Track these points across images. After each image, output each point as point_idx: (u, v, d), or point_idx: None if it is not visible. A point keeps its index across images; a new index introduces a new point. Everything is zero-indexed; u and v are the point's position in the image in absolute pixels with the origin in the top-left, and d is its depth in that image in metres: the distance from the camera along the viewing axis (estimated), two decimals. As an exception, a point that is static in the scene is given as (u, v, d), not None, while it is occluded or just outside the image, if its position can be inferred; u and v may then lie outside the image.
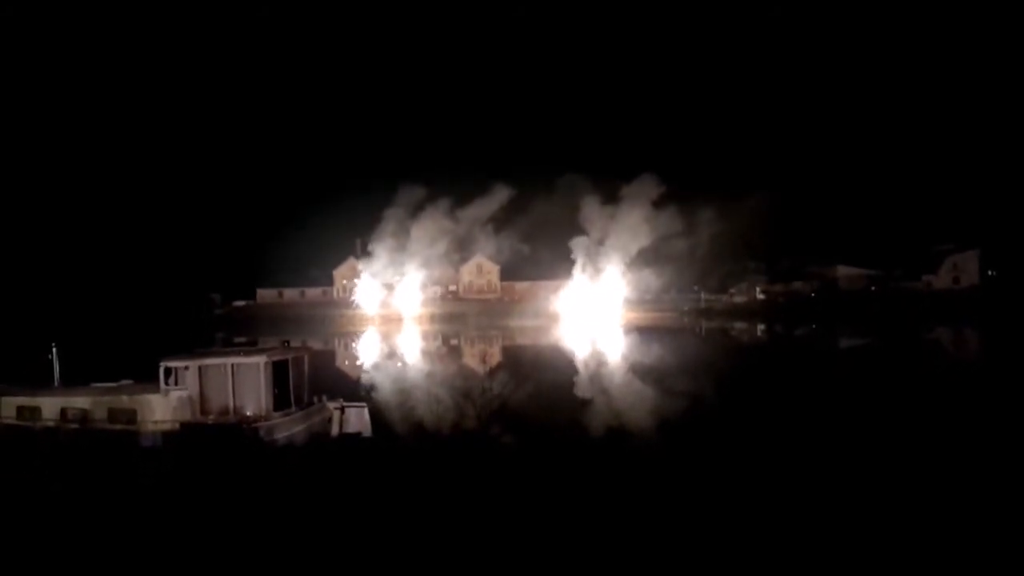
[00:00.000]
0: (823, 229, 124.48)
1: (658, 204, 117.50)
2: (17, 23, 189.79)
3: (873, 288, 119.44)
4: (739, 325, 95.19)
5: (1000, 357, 54.54)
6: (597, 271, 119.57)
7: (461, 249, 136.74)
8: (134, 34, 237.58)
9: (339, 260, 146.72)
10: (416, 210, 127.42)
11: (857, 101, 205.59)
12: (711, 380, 44.13)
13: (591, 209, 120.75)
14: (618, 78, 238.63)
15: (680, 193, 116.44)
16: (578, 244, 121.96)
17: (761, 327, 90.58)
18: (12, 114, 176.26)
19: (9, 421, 23.19)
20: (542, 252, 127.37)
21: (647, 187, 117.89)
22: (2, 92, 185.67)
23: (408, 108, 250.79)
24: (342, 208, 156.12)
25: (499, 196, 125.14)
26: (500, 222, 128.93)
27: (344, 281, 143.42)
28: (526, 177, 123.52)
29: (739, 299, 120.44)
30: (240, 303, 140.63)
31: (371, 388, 41.05)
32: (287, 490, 14.93)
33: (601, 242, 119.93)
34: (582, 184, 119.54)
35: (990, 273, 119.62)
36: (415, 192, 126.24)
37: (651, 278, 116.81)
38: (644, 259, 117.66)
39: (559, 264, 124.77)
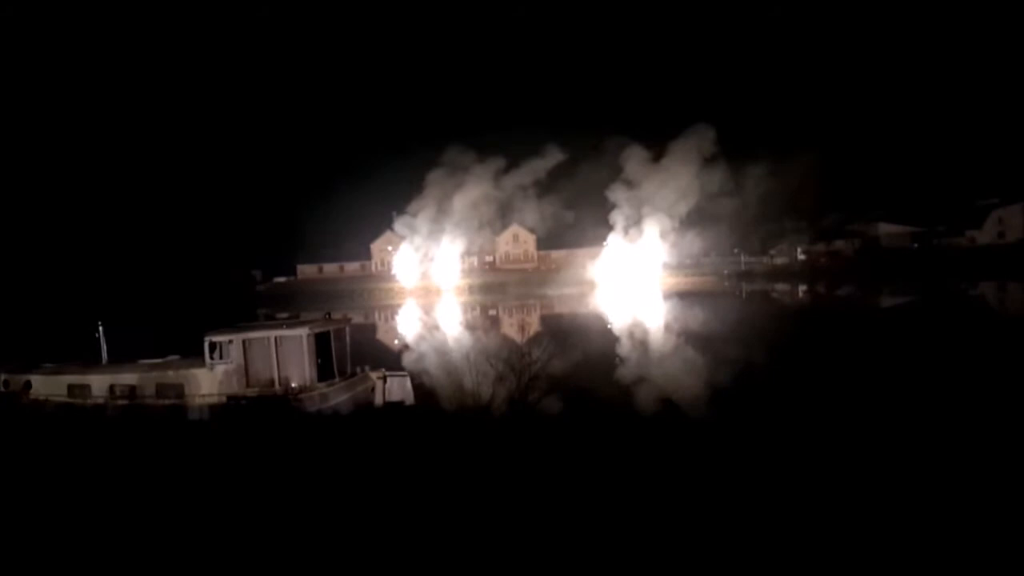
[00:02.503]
0: (864, 185, 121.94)
1: (705, 162, 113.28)
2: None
3: (916, 245, 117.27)
4: (780, 287, 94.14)
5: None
6: (639, 232, 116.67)
7: (502, 216, 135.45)
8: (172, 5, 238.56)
9: (376, 234, 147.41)
10: (458, 177, 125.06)
11: (899, 55, 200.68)
12: (750, 346, 43.67)
13: (636, 165, 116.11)
14: (662, 39, 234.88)
15: (723, 152, 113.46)
16: (620, 198, 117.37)
17: (803, 288, 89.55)
18: (63, 96, 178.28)
19: (60, 399, 23.73)
20: (586, 219, 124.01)
21: (699, 139, 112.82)
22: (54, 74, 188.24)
23: (447, 78, 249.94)
24: (377, 183, 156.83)
25: (548, 160, 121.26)
26: (543, 188, 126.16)
27: (382, 254, 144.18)
28: (570, 142, 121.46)
29: (780, 260, 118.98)
30: (281, 279, 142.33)
31: (413, 358, 41.35)
32: (333, 458, 15.10)
33: (646, 201, 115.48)
34: (628, 146, 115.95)
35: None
36: (459, 157, 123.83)
37: (693, 241, 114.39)
38: (687, 221, 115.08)
39: (600, 230, 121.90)
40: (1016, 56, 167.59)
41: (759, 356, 38.70)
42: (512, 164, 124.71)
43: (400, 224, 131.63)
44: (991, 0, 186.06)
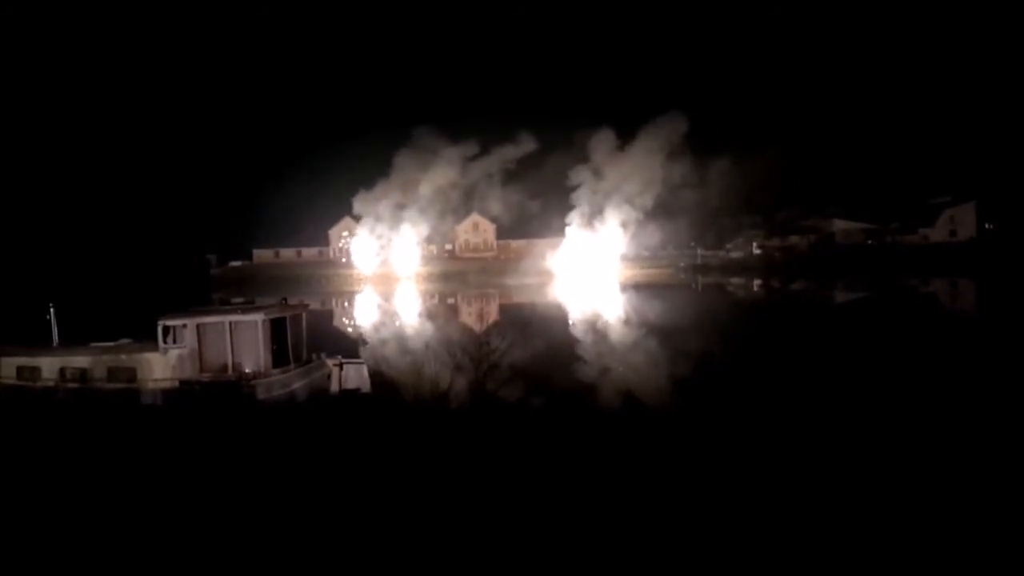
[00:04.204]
0: (820, 182, 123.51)
1: (670, 153, 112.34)
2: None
3: (869, 242, 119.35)
4: (735, 280, 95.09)
5: (994, 309, 54.70)
6: (602, 221, 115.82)
7: (464, 204, 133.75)
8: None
9: (335, 219, 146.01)
10: (423, 161, 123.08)
11: (855, 52, 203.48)
12: (703, 338, 44.31)
13: (604, 152, 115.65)
14: (625, 32, 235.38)
15: (686, 145, 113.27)
16: (584, 183, 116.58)
17: (757, 282, 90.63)
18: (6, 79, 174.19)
19: (9, 381, 23.29)
20: (551, 209, 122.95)
21: (671, 128, 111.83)
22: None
23: (414, 63, 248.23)
24: (337, 168, 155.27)
25: (520, 147, 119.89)
26: (508, 176, 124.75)
27: (340, 240, 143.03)
28: (540, 131, 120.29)
29: (736, 254, 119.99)
30: (236, 263, 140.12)
31: (370, 345, 41.18)
32: (286, 445, 15.04)
33: (611, 188, 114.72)
34: (596, 134, 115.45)
35: (987, 226, 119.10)
36: (424, 142, 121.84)
37: (652, 233, 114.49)
38: (650, 213, 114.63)
39: (563, 221, 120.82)
40: (970, 58, 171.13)
41: (712, 347, 39.26)
42: (480, 151, 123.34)
43: (360, 203, 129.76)
44: (943, 3, 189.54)
